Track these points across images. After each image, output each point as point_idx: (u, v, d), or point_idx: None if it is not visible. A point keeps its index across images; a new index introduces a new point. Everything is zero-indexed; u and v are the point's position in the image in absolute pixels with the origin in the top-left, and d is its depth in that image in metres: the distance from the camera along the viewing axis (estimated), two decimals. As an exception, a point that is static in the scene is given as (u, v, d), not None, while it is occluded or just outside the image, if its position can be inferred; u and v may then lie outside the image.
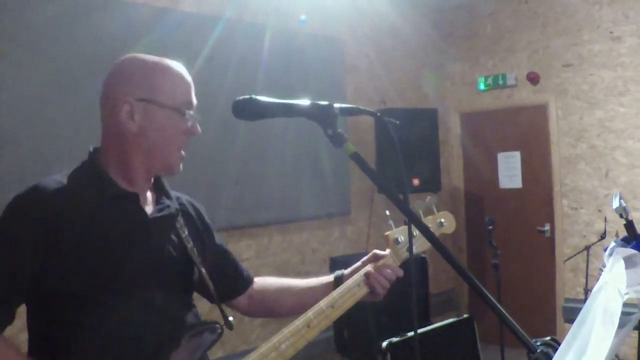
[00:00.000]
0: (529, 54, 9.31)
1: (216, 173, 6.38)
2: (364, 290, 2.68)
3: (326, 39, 8.05)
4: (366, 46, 8.69)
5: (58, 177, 2.27)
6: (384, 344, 3.71)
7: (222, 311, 2.53)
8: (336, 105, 2.03)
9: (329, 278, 2.81)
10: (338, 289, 2.63)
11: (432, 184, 8.36)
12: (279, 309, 2.88)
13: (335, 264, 7.24)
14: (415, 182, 8.07)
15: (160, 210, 2.41)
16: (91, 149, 2.43)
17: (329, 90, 7.79)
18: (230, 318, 2.51)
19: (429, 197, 2.96)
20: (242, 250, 6.90)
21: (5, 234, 2.13)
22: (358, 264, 2.82)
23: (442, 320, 4.28)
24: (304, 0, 7.70)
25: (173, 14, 6.26)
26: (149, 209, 2.38)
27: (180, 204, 2.58)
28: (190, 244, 2.45)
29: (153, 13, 6.06)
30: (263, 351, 2.29)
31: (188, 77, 2.40)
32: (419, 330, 3.93)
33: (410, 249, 2.31)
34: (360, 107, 2.15)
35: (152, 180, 2.48)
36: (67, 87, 5.40)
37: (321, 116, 2.01)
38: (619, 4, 8.35)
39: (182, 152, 2.40)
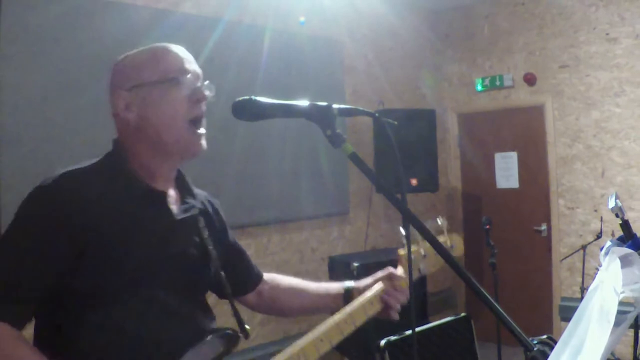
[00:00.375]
0: (525, 55, 9.32)
1: (216, 173, 6.33)
2: (377, 308, 2.65)
3: (325, 41, 8.05)
4: (365, 47, 8.70)
5: (84, 169, 2.23)
6: (382, 342, 3.70)
7: (239, 318, 2.50)
8: (335, 105, 2.02)
9: (339, 289, 2.79)
10: (352, 304, 2.59)
11: (429, 184, 8.36)
12: (287, 309, 2.87)
13: (334, 263, 7.25)
14: (413, 182, 8.07)
15: (186, 210, 2.39)
16: (115, 139, 2.37)
17: (327, 91, 7.80)
18: (247, 326, 2.48)
19: (440, 219, 2.95)
20: (241, 249, 6.90)
21: (29, 230, 2.09)
22: (369, 280, 2.77)
23: (439, 319, 4.27)
24: (303, 2, 7.71)
25: (174, 15, 6.27)
26: (174, 208, 2.35)
27: (201, 202, 2.55)
28: (210, 246, 2.43)
29: (154, 15, 6.06)
30: None
31: (177, 49, 2.36)
32: (417, 329, 3.93)
33: (408, 251, 2.29)
34: (359, 107, 2.15)
35: (175, 177, 2.44)
36: (68, 88, 5.40)
37: (320, 117, 2.01)
38: (615, 6, 8.36)
39: (200, 129, 2.35)
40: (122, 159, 2.27)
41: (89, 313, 2.07)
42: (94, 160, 2.29)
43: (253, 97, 2.10)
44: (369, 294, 2.66)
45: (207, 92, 2.33)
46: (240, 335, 2.40)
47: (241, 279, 2.74)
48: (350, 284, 2.78)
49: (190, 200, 2.44)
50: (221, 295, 2.57)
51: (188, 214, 2.37)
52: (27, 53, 5.23)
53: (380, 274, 2.76)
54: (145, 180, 2.27)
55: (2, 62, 5.10)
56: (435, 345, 4.03)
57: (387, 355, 3.70)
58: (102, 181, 2.19)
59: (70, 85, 5.40)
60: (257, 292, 2.83)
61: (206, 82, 2.36)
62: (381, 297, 2.66)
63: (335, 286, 2.81)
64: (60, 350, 2.06)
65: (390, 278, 2.73)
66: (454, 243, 3.04)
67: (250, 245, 7.03)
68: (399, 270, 2.78)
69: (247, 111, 2.10)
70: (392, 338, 3.73)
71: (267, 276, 2.89)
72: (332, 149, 2.02)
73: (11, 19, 5.16)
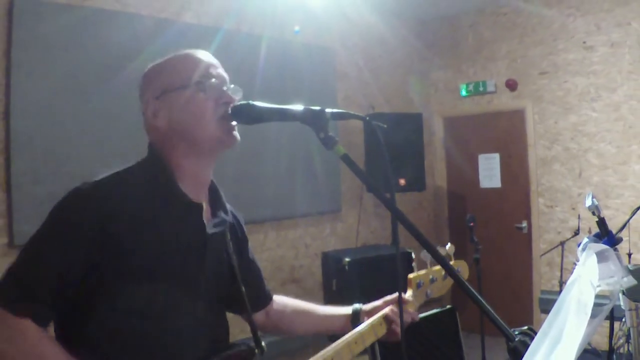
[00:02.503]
0: (507, 63, 9.33)
1: (216, 173, 6.27)
2: (384, 329, 2.62)
3: (318, 49, 8.05)
4: (356, 55, 8.70)
5: (122, 176, 2.16)
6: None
7: (256, 334, 2.42)
8: (328, 110, 2.01)
9: (347, 310, 2.72)
10: (364, 325, 2.55)
11: (417, 183, 8.37)
12: (293, 330, 2.79)
13: (326, 258, 7.25)
14: (402, 182, 8.07)
15: (217, 225, 2.32)
16: (149, 145, 2.29)
17: (321, 96, 7.77)
18: (263, 343, 2.40)
19: (448, 244, 2.94)
20: (239, 245, 6.90)
21: (60, 231, 2.02)
22: (379, 302, 2.73)
23: (427, 311, 4.26)
24: (298, 12, 7.72)
25: (176, 25, 6.28)
26: (207, 221, 2.27)
27: (231, 216, 2.49)
28: (235, 261, 2.39)
29: (157, 24, 6.07)
30: None
31: (201, 55, 2.29)
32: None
33: (396, 247, 2.29)
34: (350, 112, 2.12)
35: (209, 188, 2.38)
36: (77, 93, 5.41)
37: (314, 120, 2.00)
38: (592, 16, 8.38)
39: (231, 120, 2.23)
40: (161, 166, 2.21)
41: (107, 314, 2.02)
42: (131, 165, 2.23)
43: (250, 102, 2.10)
44: (378, 315, 2.63)
45: (233, 95, 2.27)
46: (257, 351, 2.36)
47: (254, 295, 2.61)
48: (358, 306, 2.72)
49: (222, 215, 2.38)
50: (238, 310, 2.51)
51: (219, 229, 2.31)
52: (37, 60, 5.24)
53: (389, 297, 2.73)
54: (183, 188, 2.21)
55: (14, 68, 5.11)
56: (423, 335, 4.03)
57: (377, 345, 3.70)
58: (139, 190, 2.13)
59: (78, 91, 5.41)
60: (266, 312, 2.74)
61: (232, 86, 2.30)
62: (388, 316, 2.63)
63: (343, 309, 2.75)
64: (80, 350, 1.99)
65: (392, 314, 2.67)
66: (460, 268, 3.04)
67: (248, 242, 7.03)
68: (408, 294, 2.77)
69: (245, 115, 2.10)
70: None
71: (276, 297, 2.81)
72: (325, 151, 2.01)
73: (22, 28, 5.16)
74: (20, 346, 1.91)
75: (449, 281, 2.96)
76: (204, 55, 2.30)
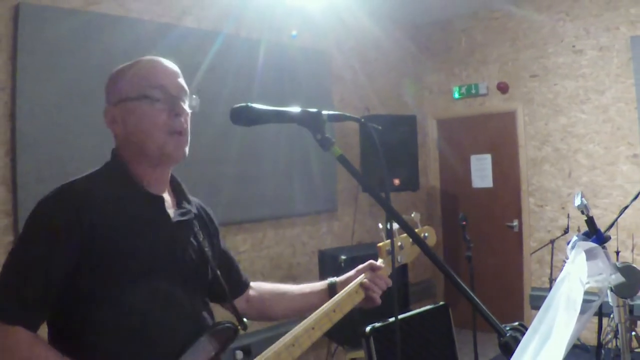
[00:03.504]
0: (499, 66, 9.34)
1: (215, 173, 6.37)
2: (361, 296, 2.63)
3: (315, 52, 8.05)
4: (351, 59, 8.70)
5: (88, 176, 2.21)
6: (367, 328, 3.70)
7: (236, 312, 2.46)
8: (324, 112, 2.01)
9: (323, 285, 2.75)
10: (340, 293, 2.57)
11: (411, 183, 8.36)
12: (274, 313, 2.79)
13: (323, 256, 7.24)
14: (396, 182, 8.07)
15: (183, 214, 2.34)
16: (113, 149, 2.33)
17: (317, 98, 7.79)
18: (245, 319, 2.44)
19: (414, 213, 2.95)
20: (238, 243, 6.91)
21: (39, 233, 2.03)
22: (352, 272, 2.75)
23: (420, 307, 4.26)
24: (295, 17, 7.72)
25: (177, 29, 6.27)
26: (171, 212, 2.30)
27: (195, 208, 2.49)
28: (206, 247, 2.40)
29: (158, 29, 6.07)
30: (277, 350, 2.23)
31: (160, 65, 2.30)
32: (400, 316, 3.93)
33: (391, 244, 2.29)
34: (346, 113, 2.13)
35: (170, 182, 2.40)
36: (80, 96, 5.40)
37: (310, 122, 1.99)
38: (581, 21, 8.39)
39: (183, 136, 2.26)
40: (121, 167, 2.24)
41: (94, 310, 2.03)
42: (96, 169, 2.27)
43: (249, 104, 2.08)
44: (354, 282, 2.64)
45: (186, 108, 2.29)
46: (239, 327, 2.37)
47: (231, 284, 2.62)
48: (333, 279, 2.75)
49: (186, 205, 2.40)
50: (218, 296, 2.51)
51: (185, 217, 2.33)
52: (42, 64, 5.24)
53: (361, 266, 2.74)
54: (144, 185, 2.24)
55: (19, 72, 5.11)
56: (416, 331, 4.03)
57: (372, 340, 3.70)
58: (106, 186, 2.16)
59: (81, 94, 5.40)
60: (246, 299, 2.76)
61: (193, 96, 2.31)
62: (363, 283, 2.64)
63: (319, 284, 2.77)
64: (69, 347, 2.00)
65: (371, 268, 2.71)
66: (427, 233, 3.05)
67: (246, 240, 7.04)
68: (379, 261, 2.76)
69: (244, 117, 2.09)
70: (377, 325, 3.72)
71: (253, 284, 2.83)
72: (321, 152, 2.01)
73: (28, 33, 5.16)
74: (14, 354, 1.91)
75: (417, 247, 2.96)
76: (163, 65, 2.31)
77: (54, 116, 5.30)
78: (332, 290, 2.71)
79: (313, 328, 2.38)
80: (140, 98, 2.20)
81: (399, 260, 2.88)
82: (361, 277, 2.67)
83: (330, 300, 2.53)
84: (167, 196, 2.34)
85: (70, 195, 2.08)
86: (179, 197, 2.43)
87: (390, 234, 2.26)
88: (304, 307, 2.70)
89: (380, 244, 2.79)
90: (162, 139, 2.20)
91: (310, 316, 2.42)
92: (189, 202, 2.44)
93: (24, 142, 5.12)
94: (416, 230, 2.85)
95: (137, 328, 2.06)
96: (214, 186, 6.30)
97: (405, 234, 2.87)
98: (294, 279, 7.50)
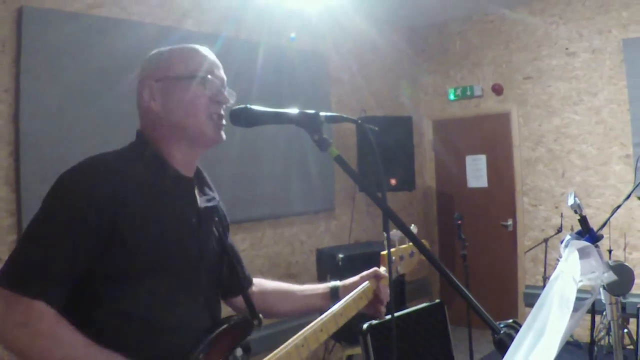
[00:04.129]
0: (493, 68, 9.35)
1: (215, 173, 6.25)
2: (364, 302, 2.63)
3: (313, 54, 8.05)
4: (349, 61, 8.70)
5: (112, 153, 2.14)
6: (365, 325, 3.70)
7: (251, 307, 2.44)
8: (322, 113, 2.01)
9: (325, 288, 2.73)
10: (346, 298, 2.57)
11: (407, 183, 8.37)
12: (276, 311, 2.76)
13: (321, 254, 7.24)
14: (393, 182, 8.08)
15: (208, 200, 2.34)
16: (138, 130, 2.28)
17: (315, 100, 7.80)
18: (260, 315, 2.42)
19: (412, 225, 2.96)
20: (238, 242, 6.89)
21: (69, 209, 1.95)
22: (356, 278, 2.73)
23: (416, 305, 4.26)
24: (294, 20, 7.72)
25: (177, 32, 6.29)
26: (197, 196, 2.29)
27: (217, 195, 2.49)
28: (225, 238, 2.40)
29: (159, 31, 6.08)
30: (288, 350, 2.22)
31: (207, 52, 2.31)
32: (396, 314, 3.93)
33: (388, 246, 2.28)
34: (343, 115, 2.12)
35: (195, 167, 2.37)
36: (83, 97, 5.42)
37: (308, 123, 1.99)
38: (574, 24, 8.40)
39: (220, 120, 2.26)
40: (150, 146, 2.20)
41: (113, 295, 1.97)
42: (122, 147, 2.22)
43: (248, 106, 2.09)
44: (359, 288, 2.64)
45: (228, 97, 2.28)
46: (255, 322, 2.37)
47: (234, 279, 2.57)
48: (336, 283, 2.73)
49: (210, 193, 2.40)
50: (229, 289, 2.52)
51: (210, 204, 2.33)
52: (45, 66, 5.24)
53: (365, 273, 2.72)
54: (174, 166, 2.21)
55: (23, 74, 5.12)
56: (412, 329, 4.03)
57: (369, 337, 3.70)
58: (131, 163, 2.10)
59: (84, 94, 5.42)
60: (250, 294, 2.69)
61: (228, 89, 2.31)
62: (374, 291, 2.65)
63: (322, 286, 2.75)
64: (88, 335, 1.91)
65: (375, 276, 2.70)
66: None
67: (246, 239, 7.04)
68: (382, 269, 2.74)
69: (243, 118, 2.08)
70: (374, 322, 3.72)
71: (256, 281, 2.80)
72: (319, 152, 2.01)
73: (31, 35, 5.17)
74: (37, 329, 1.83)
75: (415, 259, 2.99)
76: (209, 54, 2.31)
77: (57, 117, 5.29)
78: (334, 294, 2.70)
79: (321, 330, 2.38)
80: (191, 78, 2.20)
81: (397, 270, 2.90)
82: (366, 284, 2.66)
83: (338, 304, 2.52)
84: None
85: (103, 170, 2.02)
86: (202, 183, 2.42)
87: (387, 236, 2.26)
88: (305, 308, 2.69)
89: (384, 253, 2.80)
90: (203, 120, 2.20)
91: (318, 319, 2.41)
92: (211, 189, 2.45)
93: (27, 142, 5.12)
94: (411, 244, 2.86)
95: (153, 316, 2.03)
96: (213, 186, 6.23)
97: (405, 245, 2.89)
98: (293, 277, 7.51)
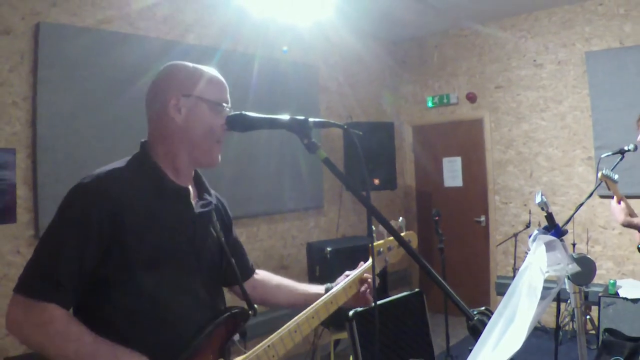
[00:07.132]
0: (468, 78, 9.36)
1: (214, 174, 6.28)
2: (354, 291, 2.70)
3: (304, 66, 8.04)
4: (336, 71, 8.71)
5: (118, 168, 2.15)
6: (350, 312, 3.69)
7: (247, 297, 2.47)
8: (311, 119, 1.99)
9: (321, 289, 2.76)
10: (336, 287, 2.63)
11: (389, 183, 8.36)
12: (276, 302, 2.80)
13: (311, 247, 7.23)
14: (376, 182, 8.08)
15: (204, 205, 2.34)
16: (142, 142, 2.29)
17: (305, 107, 7.78)
18: (255, 305, 2.44)
19: (401, 218, 2.96)
20: (235, 237, 6.89)
21: (76, 220, 1.98)
22: (346, 280, 2.76)
23: (397, 294, 4.26)
24: (286, 34, 7.71)
25: (180, 45, 6.30)
26: (194, 203, 2.30)
27: (215, 199, 2.51)
28: (223, 238, 2.41)
29: (164, 45, 6.10)
30: (282, 335, 2.28)
31: (222, 79, 2.34)
32: (379, 302, 3.92)
33: (370, 238, 2.28)
34: (331, 121, 2.11)
35: (193, 176, 2.39)
36: (94, 105, 5.43)
37: (299, 128, 1.98)
38: (541, 38, 8.42)
39: (221, 145, 2.31)
40: (149, 159, 2.22)
41: (116, 295, 2.00)
42: (125, 160, 2.22)
43: (244, 112, 2.09)
44: (349, 278, 2.70)
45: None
46: (250, 312, 2.38)
47: (241, 267, 2.65)
48: (330, 285, 2.75)
49: (207, 197, 2.40)
50: (229, 280, 2.52)
51: (206, 209, 2.33)
52: (60, 76, 5.24)
53: (352, 276, 2.77)
54: (171, 177, 2.23)
55: (39, 84, 5.12)
56: (394, 315, 4.03)
57: (354, 323, 3.69)
58: (134, 178, 2.13)
59: (95, 103, 5.43)
60: (252, 285, 2.76)
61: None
62: (361, 280, 2.72)
63: (318, 287, 2.80)
64: (97, 330, 1.96)
65: (360, 280, 2.76)
66: (410, 238, 3.06)
67: (242, 234, 7.02)
68: (369, 262, 2.78)
69: (239, 124, 2.08)
70: (359, 309, 3.72)
71: (259, 272, 2.85)
72: (309, 155, 2.00)
73: (47, 48, 5.17)
74: (51, 329, 1.89)
75: (402, 249, 2.99)
76: (222, 79, 2.35)
77: (71, 123, 5.29)
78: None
79: (313, 317, 2.44)
80: (216, 105, 2.25)
81: (386, 260, 2.92)
82: (355, 274, 2.74)
83: (328, 293, 2.60)
84: (190, 188, 2.33)
85: (107, 186, 2.04)
86: (200, 188, 2.43)
87: (370, 232, 2.26)
88: (302, 302, 2.69)
89: (371, 245, 2.81)
90: (213, 144, 2.26)
91: (311, 306, 2.48)
92: (209, 193, 2.45)
93: (44, 146, 5.12)
94: (401, 234, 2.86)
95: (157, 313, 2.06)
96: (213, 186, 6.21)
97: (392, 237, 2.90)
98: (285, 269, 7.52)
